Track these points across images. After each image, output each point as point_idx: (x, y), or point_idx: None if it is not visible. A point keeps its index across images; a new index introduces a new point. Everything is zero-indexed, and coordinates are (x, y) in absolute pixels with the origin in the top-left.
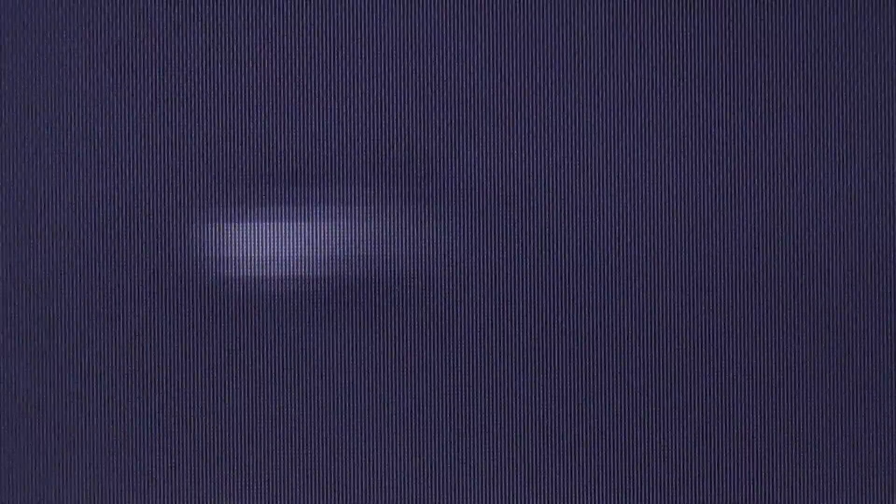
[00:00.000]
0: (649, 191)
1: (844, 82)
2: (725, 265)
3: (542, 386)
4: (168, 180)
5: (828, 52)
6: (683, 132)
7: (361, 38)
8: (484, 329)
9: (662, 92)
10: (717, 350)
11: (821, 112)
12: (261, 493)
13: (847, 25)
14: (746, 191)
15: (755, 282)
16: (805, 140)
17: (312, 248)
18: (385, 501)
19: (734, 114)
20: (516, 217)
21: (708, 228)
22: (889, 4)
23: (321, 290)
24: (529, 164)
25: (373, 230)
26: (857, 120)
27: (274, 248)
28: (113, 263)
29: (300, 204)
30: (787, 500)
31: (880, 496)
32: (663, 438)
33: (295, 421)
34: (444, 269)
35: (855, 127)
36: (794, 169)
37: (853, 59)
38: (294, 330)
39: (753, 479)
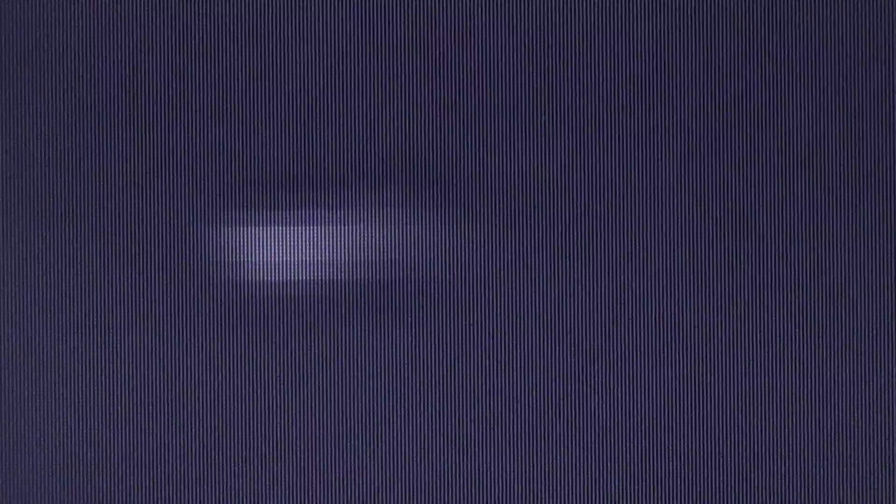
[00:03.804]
0: (671, 194)
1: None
2: (739, 265)
3: (562, 385)
4: (190, 185)
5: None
6: (700, 140)
7: (379, 45)
8: (504, 329)
9: (681, 99)
10: (729, 349)
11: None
12: (282, 489)
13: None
14: (749, 191)
15: (765, 287)
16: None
17: (334, 252)
18: (399, 492)
19: (748, 120)
20: (535, 220)
21: (720, 231)
22: None
23: (342, 293)
24: (548, 169)
25: (393, 234)
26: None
27: (296, 252)
28: (135, 266)
29: (322, 208)
30: None
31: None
32: (680, 438)
33: (315, 420)
34: (461, 272)
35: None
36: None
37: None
38: (315, 332)
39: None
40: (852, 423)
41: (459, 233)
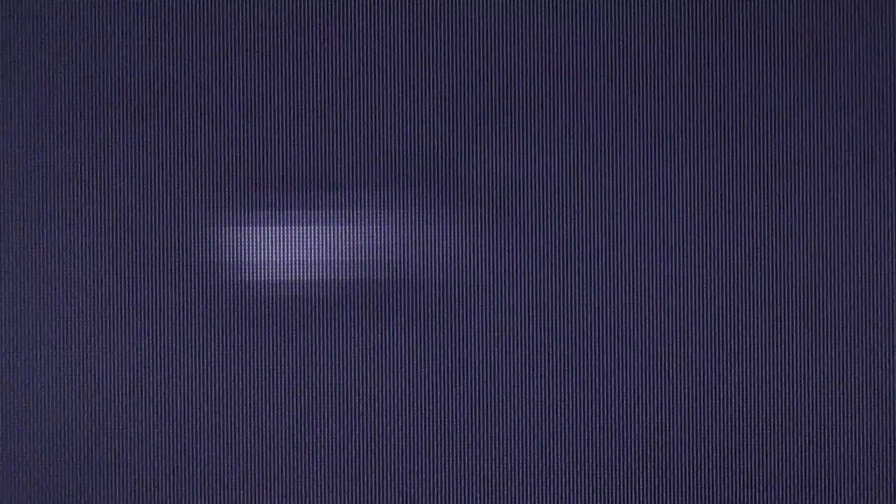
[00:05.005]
0: (666, 194)
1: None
2: (734, 266)
3: (557, 388)
4: (186, 184)
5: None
6: (696, 139)
7: (377, 45)
8: (498, 331)
9: (675, 97)
10: (725, 349)
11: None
12: (277, 489)
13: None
14: (750, 195)
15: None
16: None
17: (328, 252)
18: (396, 492)
19: (740, 114)
20: (530, 221)
21: (716, 233)
22: None
23: (337, 294)
24: (544, 170)
25: (388, 234)
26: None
27: (290, 252)
28: (131, 266)
29: (316, 208)
30: None
31: None
32: (675, 437)
33: (310, 421)
34: (459, 273)
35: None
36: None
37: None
38: (310, 332)
39: None
40: (847, 427)
41: (453, 233)
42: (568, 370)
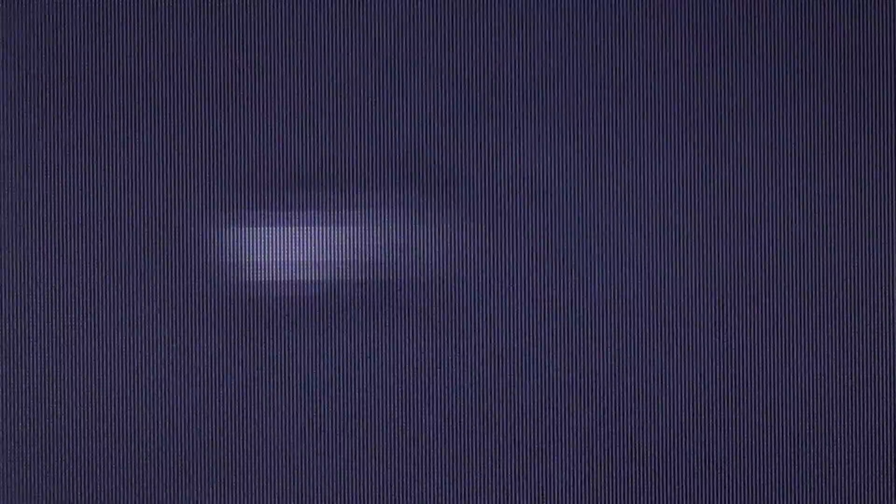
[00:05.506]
0: (664, 194)
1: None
2: (729, 268)
3: (557, 388)
4: (185, 185)
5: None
6: (693, 135)
7: (377, 45)
8: (498, 332)
9: (675, 97)
10: (721, 351)
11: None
12: (275, 491)
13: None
14: (754, 192)
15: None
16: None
17: (327, 253)
18: (395, 497)
19: (739, 120)
20: (529, 221)
21: (724, 227)
22: None
23: (336, 294)
24: (542, 170)
25: (387, 235)
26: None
27: (289, 253)
28: (130, 266)
29: (315, 209)
30: None
31: None
32: (674, 449)
33: (308, 420)
34: (458, 274)
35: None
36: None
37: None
38: (309, 332)
39: None
40: (847, 426)
41: (452, 234)
42: (567, 369)
